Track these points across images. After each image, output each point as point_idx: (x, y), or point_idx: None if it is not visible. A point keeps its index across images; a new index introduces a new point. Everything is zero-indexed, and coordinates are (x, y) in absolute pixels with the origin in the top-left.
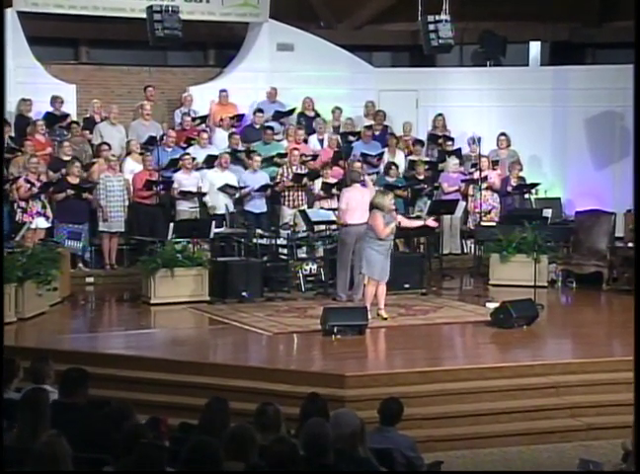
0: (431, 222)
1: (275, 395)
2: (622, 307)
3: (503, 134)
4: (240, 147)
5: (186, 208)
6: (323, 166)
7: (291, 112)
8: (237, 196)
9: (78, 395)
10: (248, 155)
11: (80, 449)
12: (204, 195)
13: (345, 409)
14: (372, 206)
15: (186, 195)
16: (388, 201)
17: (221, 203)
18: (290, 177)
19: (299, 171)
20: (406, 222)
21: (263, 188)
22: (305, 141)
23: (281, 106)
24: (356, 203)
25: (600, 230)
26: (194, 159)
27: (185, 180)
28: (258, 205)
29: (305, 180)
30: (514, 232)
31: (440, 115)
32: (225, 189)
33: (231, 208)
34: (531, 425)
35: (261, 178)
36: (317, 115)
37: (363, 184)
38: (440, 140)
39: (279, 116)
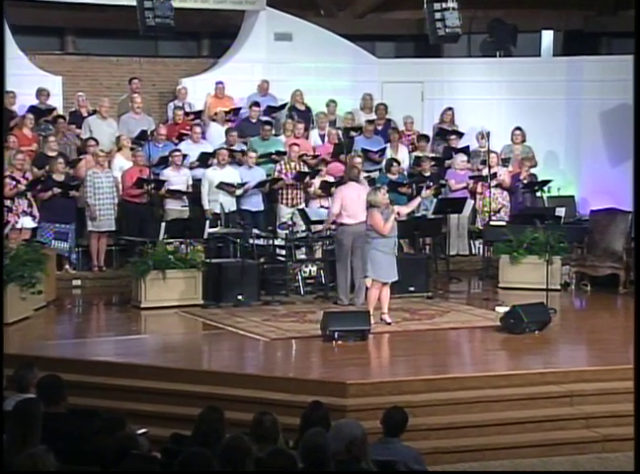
0: (425, 193)
1: (272, 404)
2: None
3: (518, 129)
4: (237, 144)
5: (175, 207)
6: (318, 163)
7: (284, 106)
8: (238, 192)
9: (58, 404)
10: (243, 152)
11: (65, 462)
12: (192, 193)
13: (346, 419)
14: (368, 205)
15: (174, 193)
16: (381, 197)
17: (221, 202)
18: (290, 174)
19: (299, 168)
20: (405, 209)
21: (260, 184)
22: (306, 137)
23: (274, 99)
24: (351, 202)
25: (616, 230)
26: (184, 156)
27: (174, 177)
28: (254, 203)
29: (307, 178)
30: (525, 232)
31: (449, 108)
32: (222, 186)
33: (231, 207)
34: (544, 436)
35: (257, 174)
36: (307, 108)
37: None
38: (449, 136)
39: (271, 110)
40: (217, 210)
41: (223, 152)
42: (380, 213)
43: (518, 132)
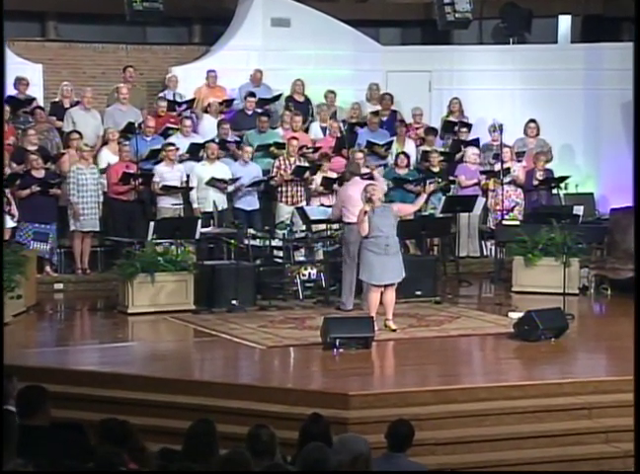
0: (429, 188)
1: (269, 417)
2: None
3: (532, 121)
4: (230, 136)
5: (168, 205)
6: (321, 157)
7: (277, 98)
8: (230, 189)
9: (40, 417)
10: (238, 145)
11: None
12: (191, 189)
13: (351, 433)
14: None
15: (169, 190)
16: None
17: (211, 200)
18: (289, 169)
19: (299, 163)
20: (411, 208)
21: (254, 184)
22: (306, 130)
23: (268, 90)
24: (352, 200)
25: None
26: (177, 150)
27: (167, 173)
28: (249, 202)
29: (307, 173)
30: (540, 232)
31: (455, 98)
32: (213, 183)
33: (223, 205)
34: (560, 451)
35: (253, 170)
36: (307, 100)
37: (364, 177)
38: (456, 128)
39: (262, 103)
40: (208, 209)
41: (213, 146)
42: (364, 211)
43: (532, 125)
